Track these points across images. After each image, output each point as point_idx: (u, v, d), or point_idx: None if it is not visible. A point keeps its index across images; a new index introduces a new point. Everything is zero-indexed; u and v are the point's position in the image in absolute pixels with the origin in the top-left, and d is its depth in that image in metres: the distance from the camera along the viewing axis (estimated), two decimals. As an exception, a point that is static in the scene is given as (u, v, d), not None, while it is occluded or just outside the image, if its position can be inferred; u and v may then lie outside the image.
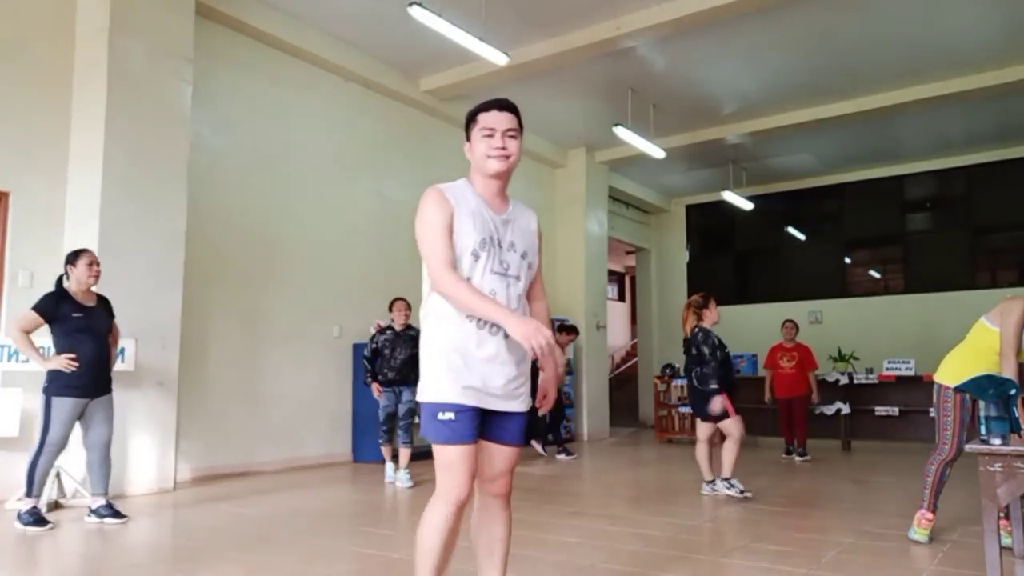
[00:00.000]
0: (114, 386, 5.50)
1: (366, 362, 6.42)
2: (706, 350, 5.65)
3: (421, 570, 2.22)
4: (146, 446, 5.68)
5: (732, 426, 5.67)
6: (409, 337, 6.38)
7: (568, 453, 8.45)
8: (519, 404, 2.33)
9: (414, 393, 6.61)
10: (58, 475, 5.01)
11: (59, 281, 4.68)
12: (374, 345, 6.41)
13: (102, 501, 4.67)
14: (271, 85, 7.37)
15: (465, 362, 2.21)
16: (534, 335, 2.09)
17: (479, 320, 2.21)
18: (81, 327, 4.56)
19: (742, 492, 5.50)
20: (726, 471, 5.63)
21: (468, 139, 2.36)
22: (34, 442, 4.57)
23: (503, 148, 2.28)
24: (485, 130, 2.29)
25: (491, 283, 2.24)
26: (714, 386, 5.58)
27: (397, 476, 6.25)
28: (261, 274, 7.11)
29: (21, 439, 5.17)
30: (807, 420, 8.28)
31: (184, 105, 6.12)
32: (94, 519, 4.61)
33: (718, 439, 5.86)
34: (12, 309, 5.37)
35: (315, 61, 7.71)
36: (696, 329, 5.77)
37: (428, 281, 2.27)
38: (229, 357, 6.79)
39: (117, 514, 4.64)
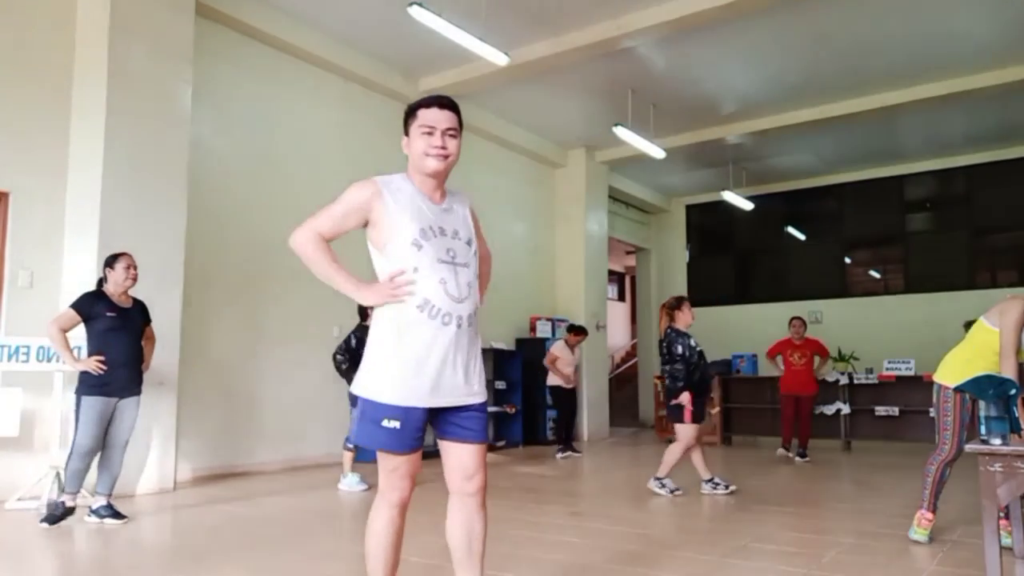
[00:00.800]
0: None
1: (345, 355, 6.00)
2: (677, 350, 5.71)
3: (373, 571, 2.24)
4: (146, 446, 5.68)
5: (685, 431, 5.71)
6: None
7: (563, 452, 8.48)
8: (475, 397, 2.27)
9: None
10: (58, 475, 5.00)
11: (99, 283, 4.79)
12: (355, 343, 6.00)
13: (103, 501, 4.68)
14: (271, 85, 7.37)
15: (418, 361, 2.16)
16: (388, 289, 2.18)
17: (431, 311, 2.17)
18: (114, 327, 4.64)
19: (673, 491, 5.64)
20: (662, 471, 5.71)
21: (406, 134, 2.31)
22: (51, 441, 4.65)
23: (442, 147, 2.23)
24: (425, 127, 2.23)
25: (440, 272, 2.19)
26: (679, 384, 5.68)
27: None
28: (261, 274, 7.11)
29: (21, 439, 5.18)
30: (811, 420, 8.25)
31: (184, 105, 6.12)
32: (94, 519, 4.62)
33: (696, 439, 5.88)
34: (12, 309, 5.38)
35: (315, 61, 7.71)
36: (668, 330, 5.84)
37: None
38: (229, 357, 6.78)
39: (117, 515, 4.65)
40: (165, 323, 5.84)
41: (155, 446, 5.73)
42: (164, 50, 5.98)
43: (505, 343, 10.07)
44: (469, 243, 2.31)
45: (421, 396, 2.17)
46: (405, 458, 2.21)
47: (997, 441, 2.59)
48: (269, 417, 7.07)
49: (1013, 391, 2.75)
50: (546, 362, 8.67)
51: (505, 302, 10.28)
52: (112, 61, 5.64)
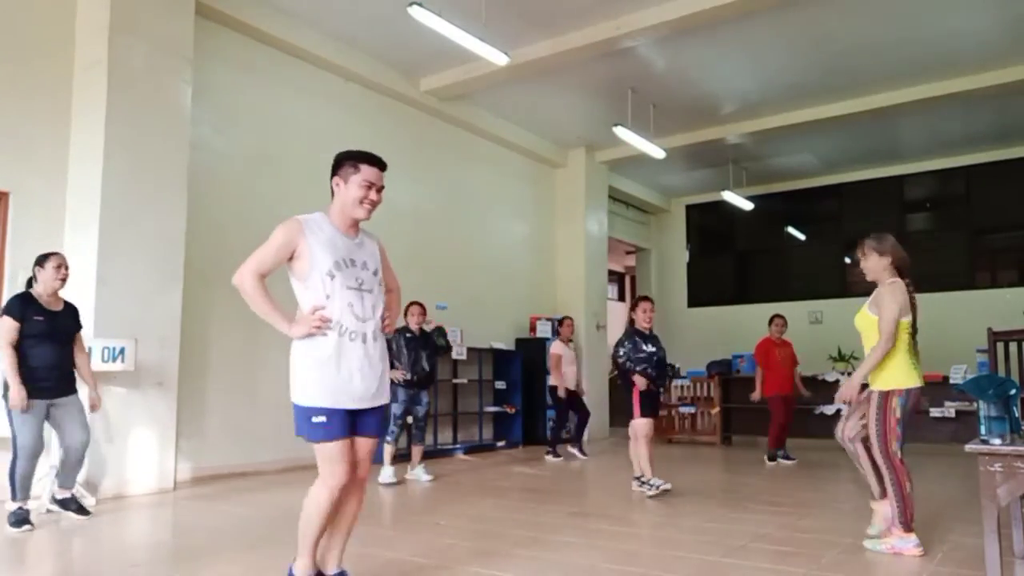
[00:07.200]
0: (114, 385, 5.51)
1: None
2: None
3: (306, 538, 2.71)
4: (146, 446, 5.68)
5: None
6: (427, 340, 6.56)
7: (557, 456, 8.39)
8: (379, 400, 2.79)
9: (430, 395, 6.65)
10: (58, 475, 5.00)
11: (28, 283, 4.66)
12: (393, 346, 6.29)
13: (68, 495, 4.70)
14: (271, 85, 7.37)
15: (336, 370, 2.63)
16: (312, 324, 2.64)
17: (340, 330, 2.64)
18: (42, 331, 4.45)
19: (659, 487, 5.53)
20: (645, 472, 5.72)
21: (339, 176, 2.74)
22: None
23: (375, 202, 2.74)
24: (366, 182, 2.71)
25: (347, 296, 2.67)
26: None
27: (415, 472, 6.48)
28: (261, 274, 7.10)
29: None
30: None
31: (184, 105, 6.12)
32: (56, 508, 4.65)
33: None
34: (12, 309, 5.37)
35: (315, 61, 7.71)
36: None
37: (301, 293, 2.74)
38: (229, 357, 6.78)
39: (82, 510, 4.67)
40: (165, 323, 5.85)
41: (155, 446, 5.73)
42: (164, 50, 5.98)
43: (505, 343, 10.07)
44: (375, 273, 2.80)
45: (343, 399, 2.66)
46: (337, 445, 2.65)
47: (997, 441, 2.60)
48: (269, 417, 7.06)
49: (1013, 391, 2.75)
50: (550, 365, 8.60)
51: (505, 302, 10.29)
52: (112, 61, 5.64)
